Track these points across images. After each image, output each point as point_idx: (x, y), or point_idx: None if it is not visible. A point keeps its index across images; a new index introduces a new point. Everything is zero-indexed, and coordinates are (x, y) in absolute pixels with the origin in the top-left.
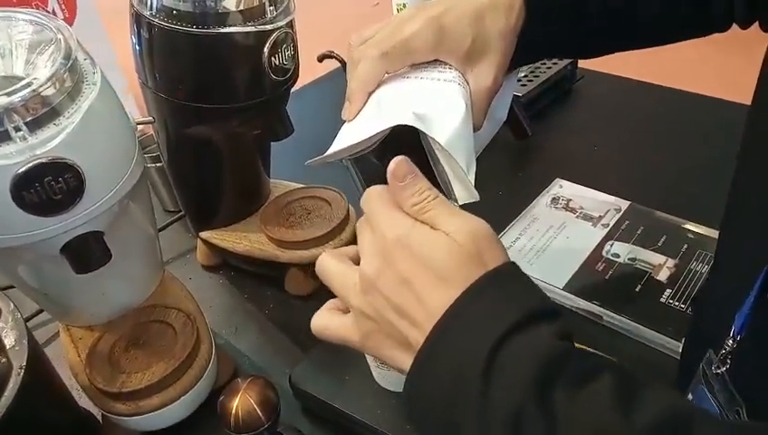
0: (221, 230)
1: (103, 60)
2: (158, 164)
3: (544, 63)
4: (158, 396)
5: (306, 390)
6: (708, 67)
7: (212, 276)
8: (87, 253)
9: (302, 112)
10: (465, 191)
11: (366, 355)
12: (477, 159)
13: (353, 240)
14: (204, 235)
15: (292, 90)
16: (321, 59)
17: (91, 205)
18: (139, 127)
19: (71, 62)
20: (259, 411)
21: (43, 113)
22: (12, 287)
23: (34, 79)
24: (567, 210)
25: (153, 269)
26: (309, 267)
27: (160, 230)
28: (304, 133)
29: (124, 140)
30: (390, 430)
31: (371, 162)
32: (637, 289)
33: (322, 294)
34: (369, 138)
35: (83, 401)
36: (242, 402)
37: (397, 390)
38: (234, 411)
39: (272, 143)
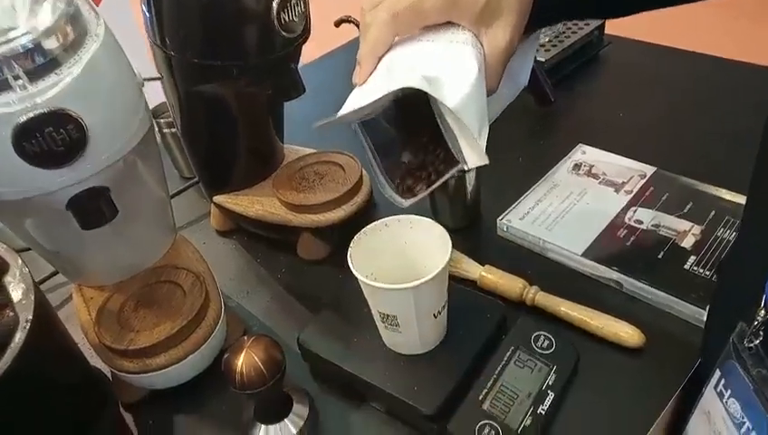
0: (234, 195)
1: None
2: (173, 129)
3: (570, 29)
4: (165, 355)
5: (314, 351)
6: (735, 35)
7: (225, 241)
8: (92, 208)
9: (319, 82)
10: (474, 155)
11: (375, 317)
12: (495, 125)
13: (367, 204)
14: (217, 199)
15: (310, 60)
16: (338, 24)
17: (95, 159)
18: (151, 90)
19: (71, 11)
20: (264, 369)
21: (43, 63)
22: (28, 250)
23: (34, 28)
24: (589, 176)
25: (164, 232)
26: (321, 232)
27: (175, 195)
28: (320, 101)
29: (129, 95)
30: (398, 391)
31: (381, 127)
32: (659, 256)
33: (334, 259)
34: (377, 100)
35: (95, 361)
36: (246, 360)
37: (405, 352)
38: (238, 369)
39: (285, 109)
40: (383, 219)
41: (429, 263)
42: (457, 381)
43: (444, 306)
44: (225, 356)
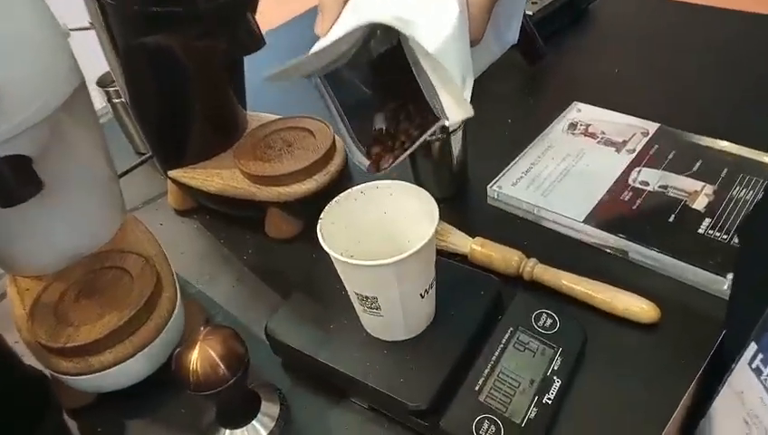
0: (191, 168)
1: None
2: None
3: None
4: (111, 351)
5: (284, 341)
6: None
7: (185, 221)
8: (10, 180)
9: (288, 45)
10: (457, 107)
11: (353, 300)
12: (480, 83)
13: (340, 174)
14: (172, 174)
15: (279, 23)
16: None
17: (8, 122)
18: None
19: None
20: (222, 365)
21: None
22: None
23: None
24: (586, 136)
25: (111, 212)
26: (290, 207)
27: (127, 172)
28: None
29: (48, 46)
30: (382, 384)
31: (353, 86)
32: (670, 219)
33: (306, 236)
34: (340, 40)
35: (35, 361)
36: (201, 355)
37: (388, 338)
38: (192, 366)
39: (249, 76)
40: (359, 186)
41: (414, 235)
42: (449, 370)
43: (431, 284)
44: (176, 352)
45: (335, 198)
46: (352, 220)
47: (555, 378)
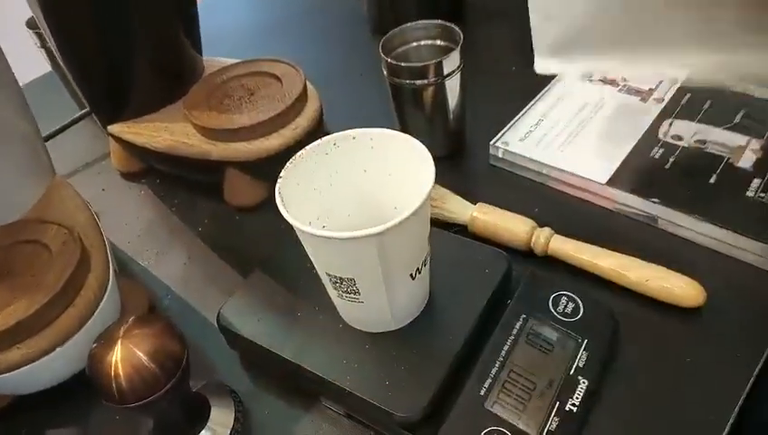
0: (135, 122)
1: None
2: None
3: None
4: (21, 347)
5: (241, 333)
6: None
7: (132, 187)
8: None
9: None
10: None
11: (325, 283)
12: (478, 27)
13: (314, 129)
14: (113, 130)
15: None
16: None
17: None
18: None
19: None
20: (153, 367)
21: None
22: None
23: None
24: (605, 83)
25: (30, 176)
26: (252, 168)
27: (62, 130)
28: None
29: None
30: (362, 389)
31: None
32: (711, 180)
33: (271, 204)
34: None
35: None
36: (124, 355)
37: (371, 329)
38: (112, 370)
39: (206, 20)
40: (331, 136)
41: (402, 199)
42: (447, 371)
43: (424, 262)
44: (91, 352)
45: (299, 153)
46: (323, 181)
47: (580, 378)
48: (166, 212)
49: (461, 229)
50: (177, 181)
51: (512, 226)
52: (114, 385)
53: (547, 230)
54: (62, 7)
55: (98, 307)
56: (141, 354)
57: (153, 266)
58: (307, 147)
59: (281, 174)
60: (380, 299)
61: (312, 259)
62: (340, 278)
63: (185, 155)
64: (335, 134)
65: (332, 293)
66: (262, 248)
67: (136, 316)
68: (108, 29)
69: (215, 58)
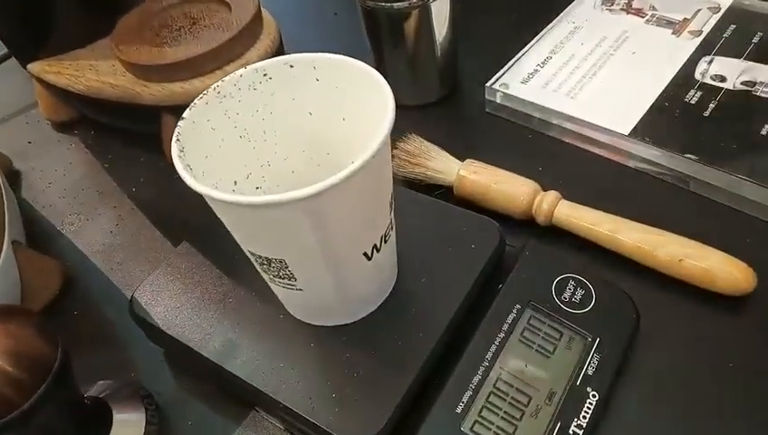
0: (57, 60)
1: None
2: None
3: None
4: None
5: (157, 324)
6: None
7: (62, 139)
8: None
9: None
10: None
11: (255, 265)
12: None
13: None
14: (33, 68)
15: None
16: None
17: None
18: None
19: None
20: (14, 371)
21: None
22: None
23: None
24: (630, 12)
25: None
26: None
27: None
28: None
29: None
30: (302, 404)
31: None
32: (762, 132)
33: None
34: None
35: None
36: None
37: (317, 322)
38: None
39: None
40: (259, 63)
41: (360, 149)
42: (413, 381)
43: (386, 236)
44: None
45: (212, 85)
46: (252, 126)
47: (589, 390)
48: (97, 168)
49: (445, 192)
50: (114, 132)
51: (508, 187)
52: None
53: (552, 194)
54: None
55: None
56: None
57: (75, 236)
58: (226, 78)
59: (183, 114)
60: (324, 287)
61: (232, 234)
62: (267, 259)
63: (112, 99)
64: (265, 61)
65: (264, 277)
66: (201, 213)
67: None
68: None
69: None
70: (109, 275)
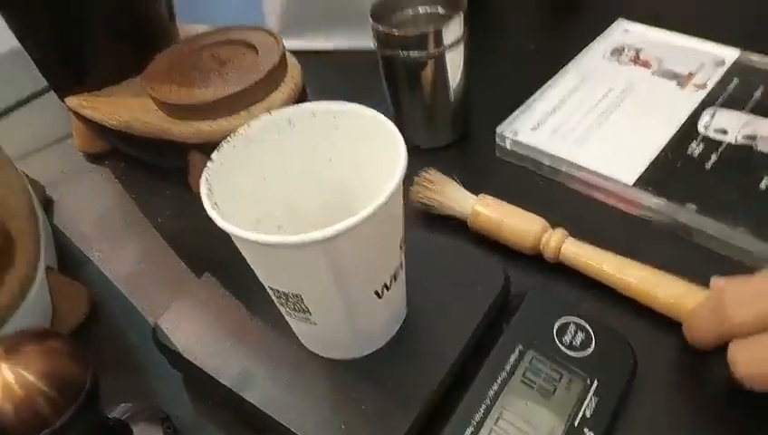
0: (93, 95)
1: None
2: None
3: None
4: None
5: (179, 351)
6: None
7: (94, 170)
8: None
9: None
10: None
11: (273, 299)
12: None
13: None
14: (71, 103)
15: None
16: None
17: None
18: None
19: None
20: (49, 392)
21: None
22: None
23: None
24: (637, 64)
25: None
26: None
27: (24, 103)
28: None
29: None
30: (311, 434)
31: None
32: (761, 186)
33: None
34: None
35: None
36: (9, 380)
37: (328, 354)
38: None
39: None
40: (285, 111)
41: (375, 192)
42: (417, 416)
43: (395, 275)
44: None
45: (240, 130)
46: (276, 169)
47: (586, 430)
48: (126, 199)
49: (459, 225)
50: (143, 165)
51: (518, 224)
52: None
53: (560, 232)
54: None
55: (18, 309)
56: (32, 378)
57: (103, 262)
58: (252, 122)
59: (212, 157)
60: (337, 321)
61: (252, 268)
62: (285, 294)
63: (143, 134)
64: (289, 109)
65: (281, 310)
66: (224, 247)
67: (24, 331)
68: None
69: (192, 24)
70: (133, 302)
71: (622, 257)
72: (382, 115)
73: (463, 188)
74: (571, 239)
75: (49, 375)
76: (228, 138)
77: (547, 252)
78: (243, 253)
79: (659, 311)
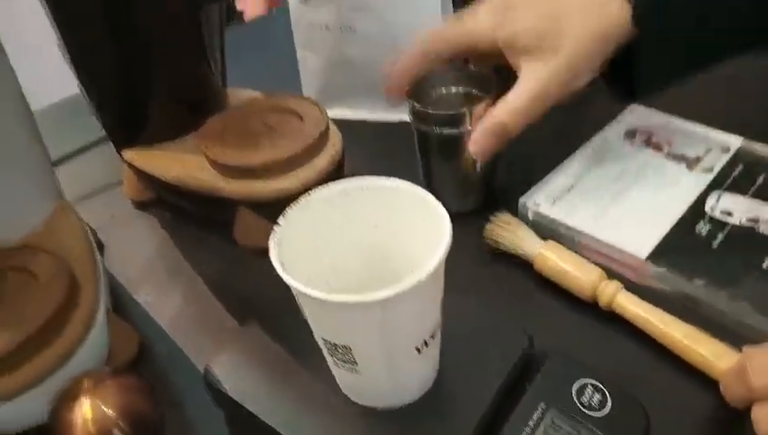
0: (149, 149)
1: None
2: None
3: None
4: None
5: (227, 393)
6: None
7: (141, 217)
8: None
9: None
10: None
11: (322, 349)
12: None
13: (334, 171)
14: (127, 155)
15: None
16: None
17: None
18: None
19: None
20: (125, 426)
21: None
22: None
23: None
24: (648, 146)
25: (32, 197)
26: (265, 208)
27: (81, 152)
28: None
29: None
30: None
31: None
32: (764, 265)
33: None
34: None
35: None
36: (95, 414)
37: (368, 403)
38: (78, 430)
39: (236, 45)
40: (338, 183)
41: (415, 259)
42: None
43: (434, 334)
44: (52, 407)
45: (302, 198)
46: (330, 233)
47: None
48: (171, 247)
49: (522, 265)
50: (189, 215)
51: (582, 272)
52: None
53: (614, 284)
54: (79, 28)
55: (82, 345)
56: (112, 413)
57: (150, 305)
58: (312, 192)
59: (278, 221)
60: (379, 373)
61: (307, 319)
62: (335, 345)
63: (195, 189)
64: (344, 182)
65: (329, 359)
66: (266, 296)
67: (105, 372)
68: (124, 54)
69: (241, 90)
70: (181, 344)
71: (669, 315)
72: (425, 192)
73: (530, 230)
74: (624, 291)
75: (129, 414)
76: (292, 205)
77: (602, 300)
78: (303, 307)
79: (697, 367)
